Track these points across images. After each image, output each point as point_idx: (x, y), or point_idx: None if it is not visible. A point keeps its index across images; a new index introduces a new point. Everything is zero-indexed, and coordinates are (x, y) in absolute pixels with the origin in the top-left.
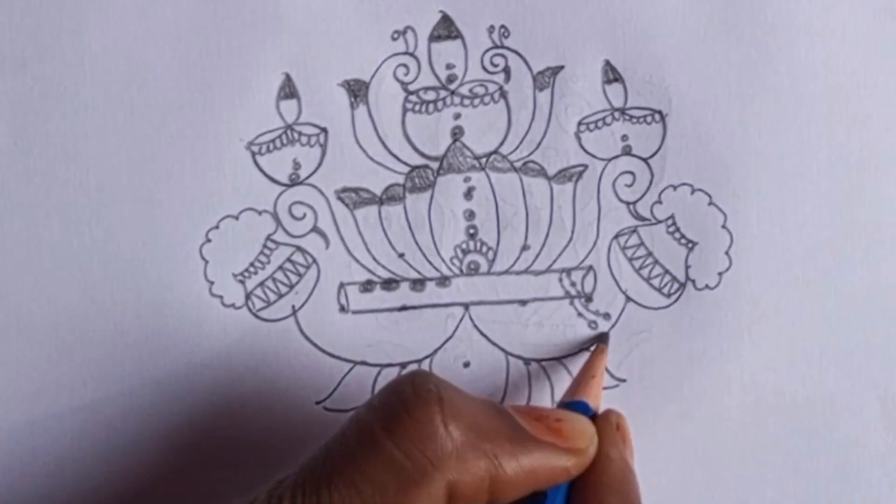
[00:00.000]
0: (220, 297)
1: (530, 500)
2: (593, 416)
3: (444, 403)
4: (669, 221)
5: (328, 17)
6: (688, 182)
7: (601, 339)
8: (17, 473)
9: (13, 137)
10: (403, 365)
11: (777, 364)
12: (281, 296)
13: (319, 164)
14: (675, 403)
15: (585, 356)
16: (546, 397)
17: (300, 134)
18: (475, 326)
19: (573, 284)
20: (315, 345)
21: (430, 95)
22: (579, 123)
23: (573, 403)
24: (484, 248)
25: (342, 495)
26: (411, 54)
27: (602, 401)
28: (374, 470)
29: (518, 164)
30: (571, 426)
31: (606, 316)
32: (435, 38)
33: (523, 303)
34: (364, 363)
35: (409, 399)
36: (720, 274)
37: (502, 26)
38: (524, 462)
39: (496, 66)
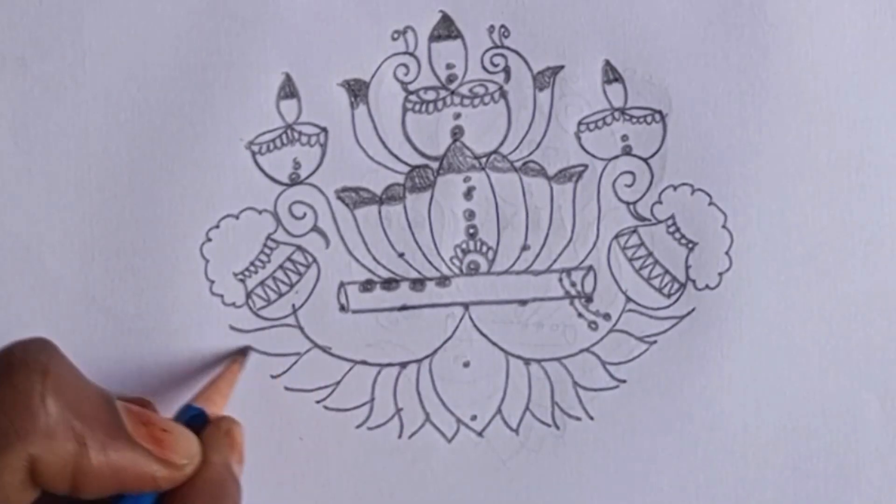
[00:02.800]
0: (221, 295)
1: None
2: (206, 422)
3: (49, 376)
4: (669, 221)
5: (328, 17)
6: (688, 182)
7: (242, 351)
8: None
9: (13, 137)
10: (403, 364)
11: (777, 364)
12: (281, 295)
13: (319, 164)
14: (675, 404)
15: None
16: (546, 397)
17: (300, 133)
18: (475, 326)
19: (573, 284)
20: (315, 344)
21: (430, 95)
22: (579, 123)
23: (188, 408)
24: (484, 248)
25: None
26: (411, 54)
27: (226, 409)
28: None
29: (518, 164)
30: (174, 439)
31: (606, 316)
32: (435, 37)
33: (523, 303)
34: (364, 363)
35: (13, 365)
36: (720, 274)
37: (502, 26)
38: (112, 457)
39: (496, 65)
